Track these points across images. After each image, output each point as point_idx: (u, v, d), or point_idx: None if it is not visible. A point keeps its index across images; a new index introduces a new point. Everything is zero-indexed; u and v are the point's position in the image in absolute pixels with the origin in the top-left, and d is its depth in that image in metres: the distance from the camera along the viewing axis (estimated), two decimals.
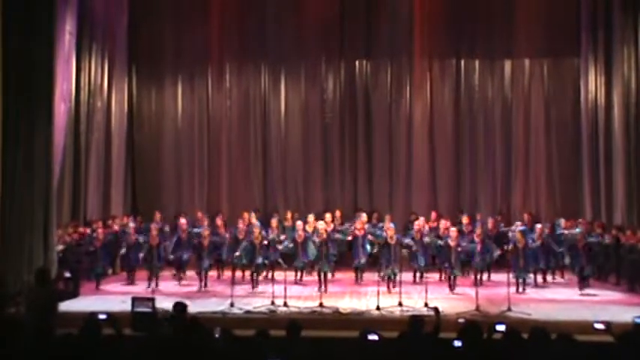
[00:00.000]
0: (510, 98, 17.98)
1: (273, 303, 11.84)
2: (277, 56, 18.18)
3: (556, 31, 17.39)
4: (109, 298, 12.72)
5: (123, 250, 14.43)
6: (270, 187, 18.22)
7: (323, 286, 13.41)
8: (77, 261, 13.60)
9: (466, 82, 18.06)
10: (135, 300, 10.75)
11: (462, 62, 18.06)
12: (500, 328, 6.88)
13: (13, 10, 12.26)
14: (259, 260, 13.80)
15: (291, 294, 12.45)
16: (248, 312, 11.52)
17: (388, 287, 13.25)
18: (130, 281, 14.37)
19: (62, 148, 14.31)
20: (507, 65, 18.00)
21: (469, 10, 17.67)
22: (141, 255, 14.06)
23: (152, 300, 10.76)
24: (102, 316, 6.80)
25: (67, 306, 8.44)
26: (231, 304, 11.73)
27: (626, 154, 15.70)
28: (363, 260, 14.35)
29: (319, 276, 13.60)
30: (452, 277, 13.62)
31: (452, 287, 13.55)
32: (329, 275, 14.14)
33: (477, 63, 18.07)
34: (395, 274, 13.26)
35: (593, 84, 16.84)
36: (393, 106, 18.09)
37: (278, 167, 18.24)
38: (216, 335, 6.72)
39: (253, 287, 13.67)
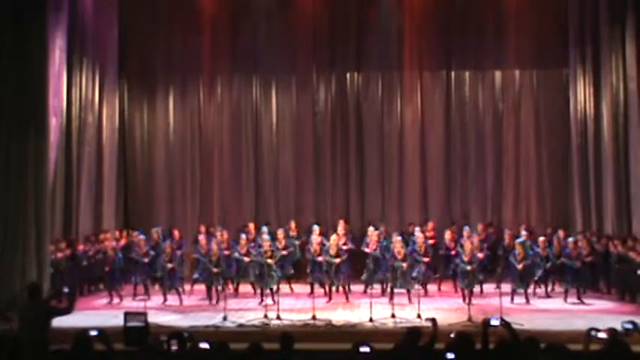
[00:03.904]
0: (501, 110, 18.05)
1: (266, 316, 11.87)
2: (268, 68, 18.20)
3: (545, 43, 17.46)
4: (102, 313, 12.71)
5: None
6: (262, 199, 18.18)
7: (345, 298, 13.76)
8: (72, 277, 13.55)
9: (456, 93, 18.11)
10: (127, 315, 10.74)
11: (453, 74, 18.11)
12: (495, 322, 6.90)
13: (4, 27, 12.30)
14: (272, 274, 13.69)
15: (284, 307, 12.44)
16: (241, 325, 11.52)
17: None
18: (134, 296, 14.28)
19: (54, 163, 14.29)
20: (497, 77, 18.07)
21: (459, 22, 17.74)
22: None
23: (144, 315, 10.75)
24: (93, 332, 6.78)
25: (59, 321, 8.41)
26: (224, 318, 11.73)
27: (616, 164, 15.81)
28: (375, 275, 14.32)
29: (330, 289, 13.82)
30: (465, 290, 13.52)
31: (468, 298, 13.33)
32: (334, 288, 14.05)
33: (467, 75, 18.13)
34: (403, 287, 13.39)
35: (582, 95, 16.93)
36: (385, 118, 18.13)
37: (270, 179, 18.22)
38: (174, 348, 6.65)
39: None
